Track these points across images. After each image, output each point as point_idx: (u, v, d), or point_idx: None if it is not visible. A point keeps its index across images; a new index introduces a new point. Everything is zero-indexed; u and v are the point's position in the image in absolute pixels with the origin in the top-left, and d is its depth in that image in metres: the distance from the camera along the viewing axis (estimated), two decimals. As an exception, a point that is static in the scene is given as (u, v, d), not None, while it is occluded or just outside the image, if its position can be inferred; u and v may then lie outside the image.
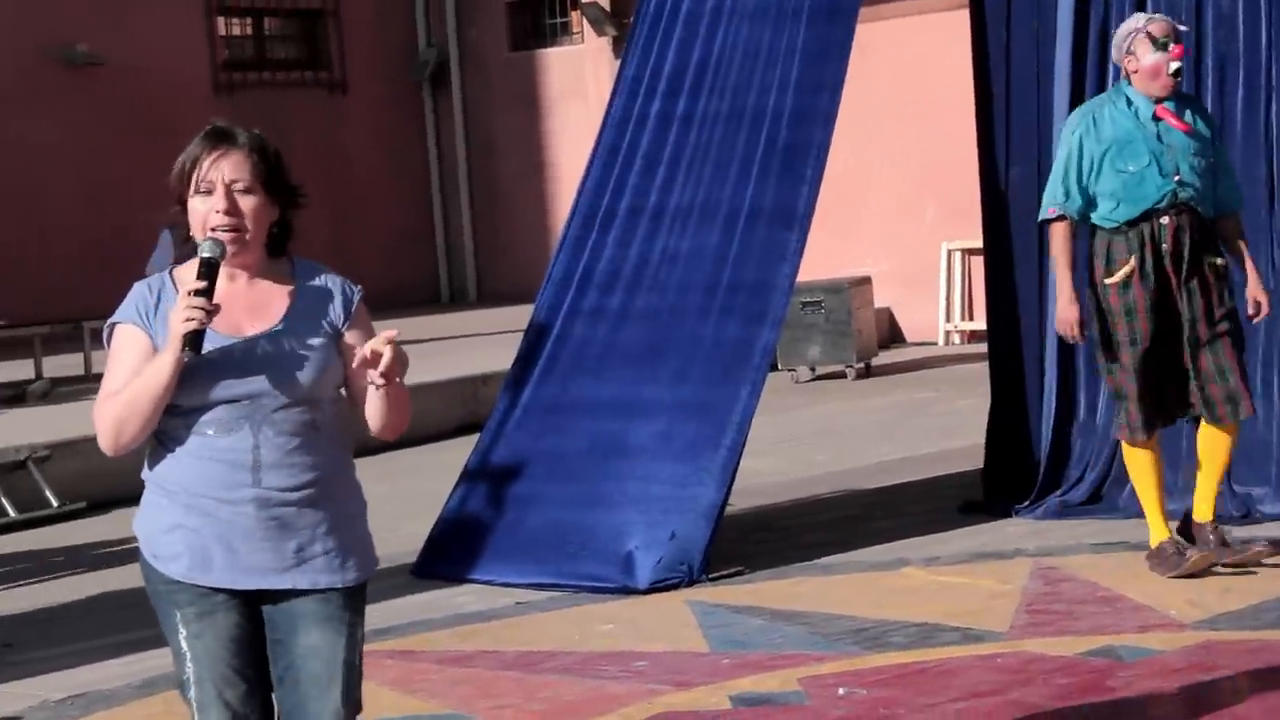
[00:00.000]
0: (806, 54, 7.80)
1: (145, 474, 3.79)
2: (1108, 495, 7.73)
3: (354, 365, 3.69)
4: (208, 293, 3.63)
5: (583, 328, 7.89)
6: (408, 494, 9.24)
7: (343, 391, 3.81)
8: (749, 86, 7.89)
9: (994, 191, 8.26)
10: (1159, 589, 6.38)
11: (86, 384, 12.09)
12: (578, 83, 17.41)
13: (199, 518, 3.70)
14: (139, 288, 3.80)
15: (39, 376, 12.26)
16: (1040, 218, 6.84)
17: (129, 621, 6.74)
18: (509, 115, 17.97)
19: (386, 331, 3.67)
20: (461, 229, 18.35)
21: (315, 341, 3.75)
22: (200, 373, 3.66)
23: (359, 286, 3.87)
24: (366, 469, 11.48)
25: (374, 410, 3.74)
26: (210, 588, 3.71)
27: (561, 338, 7.88)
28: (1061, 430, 7.92)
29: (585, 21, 17.29)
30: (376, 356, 3.63)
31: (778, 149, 7.78)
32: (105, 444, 3.69)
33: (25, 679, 6.40)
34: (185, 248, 3.76)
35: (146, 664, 6.22)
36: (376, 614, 6.98)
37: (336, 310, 3.80)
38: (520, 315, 8.09)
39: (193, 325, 3.59)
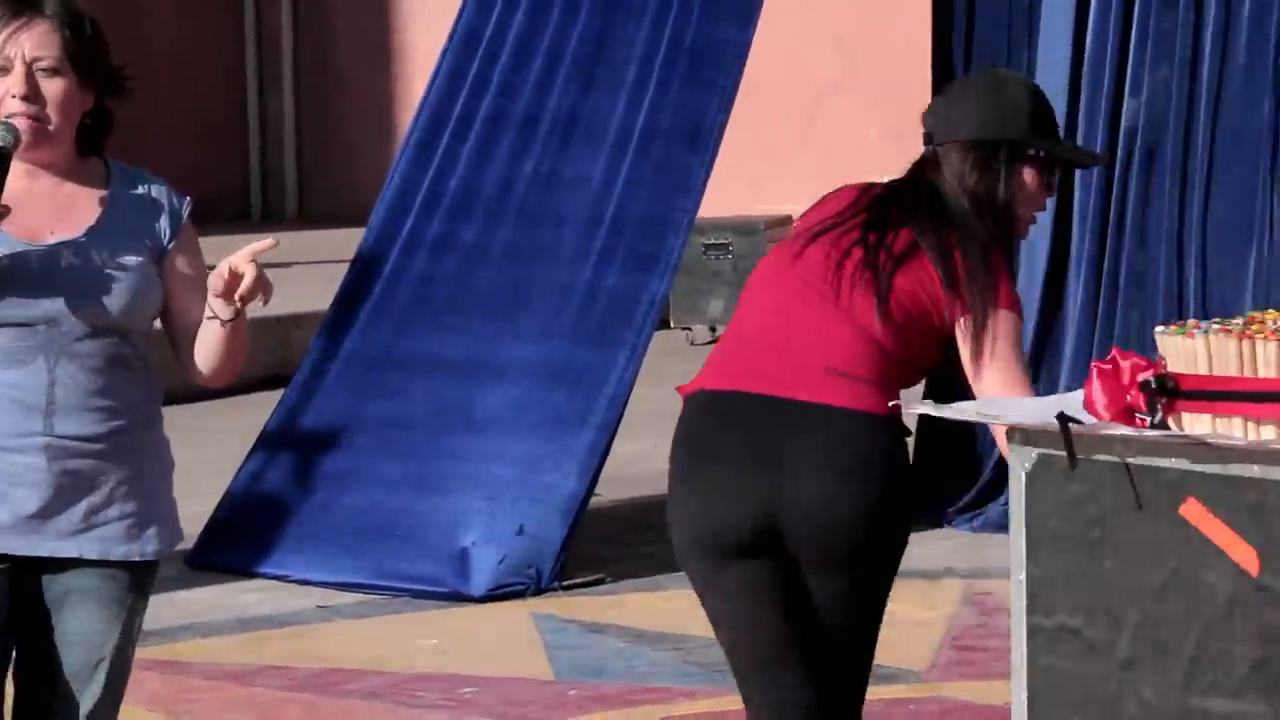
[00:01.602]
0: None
1: None
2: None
3: (214, 274, 3.71)
4: None
5: (424, 263, 7.93)
6: (189, 462, 9.13)
7: (156, 324, 3.88)
8: (655, -36, 7.94)
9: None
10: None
11: None
12: (441, -52, 17.39)
13: None
14: None
15: None
16: None
17: None
18: (350, -16, 17.94)
19: (255, 244, 3.73)
20: (282, 125, 18.31)
21: (132, 259, 3.81)
22: None
23: (188, 197, 3.95)
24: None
25: (208, 349, 3.82)
26: None
27: (396, 274, 7.92)
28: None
29: None
30: (236, 278, 3.68)
31: (684, 49, 7.85)
32: None
33: None
34: None
35: None
36: (139, 612, 7.07)
37: (161, 225, 3.87)
38: (351, 241, 8.11)
39: None
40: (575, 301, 7.66)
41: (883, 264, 4.26)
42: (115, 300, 3.78)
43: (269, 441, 7.84)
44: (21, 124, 3.75)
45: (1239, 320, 3.61)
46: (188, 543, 7.78)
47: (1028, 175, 4.29)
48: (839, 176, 15.62)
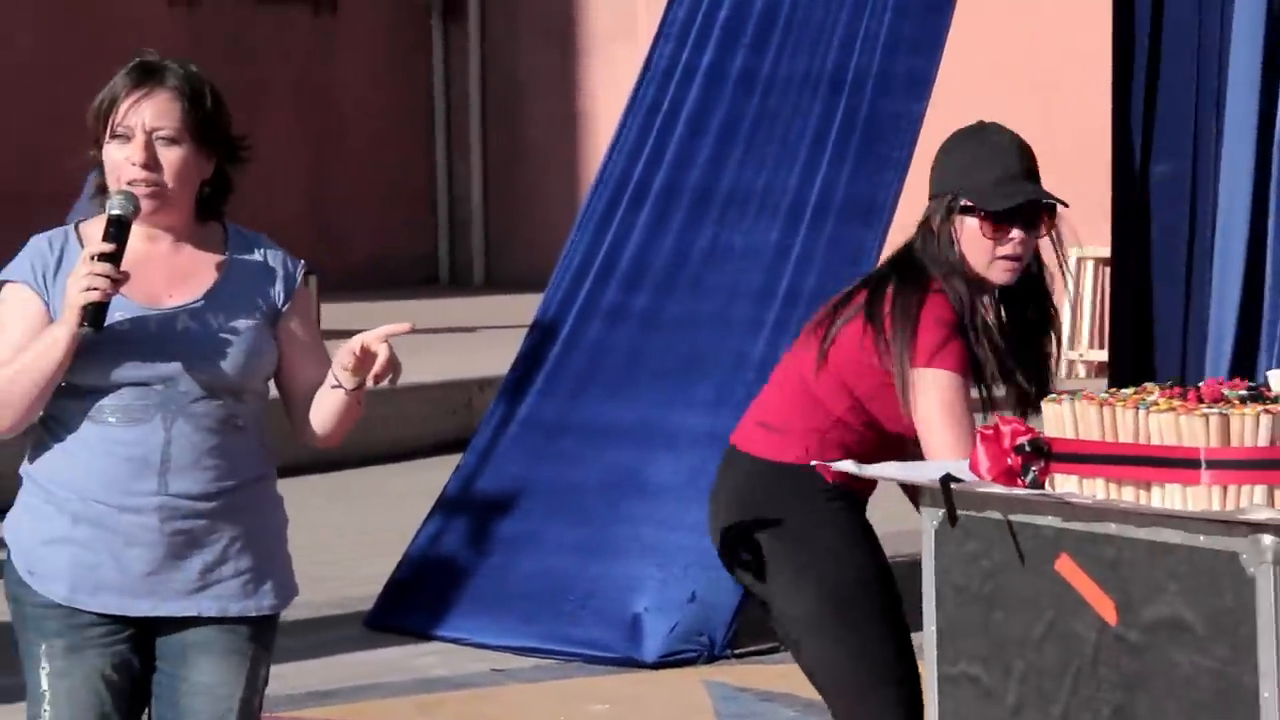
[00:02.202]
0: (901, 6, 7.89)
1: (25, 469, 3.93)
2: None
3: (337, 361, 3.83)
4: (114, 257, 3.76)
5: (600, 331, 8.00)
6: (369, 525, 9.36)
7: (270, 385, 3.95)
8: (828, 42, 7.99)
9: (1128, 192, 8.32)
10: None
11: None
12: (627, 20, 17.52)
13: (89, 528, 3.84)
14: (37, 242, 3.93)
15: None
16: None
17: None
18: (538, 55, 18.11)
19: (391, 325, 3.82)
20: (470, 195, 18.52)
21: (247, 322, 3.90)
22: (106, 347, 3.80)
23: (301, 261, 4.03)
24: (317, 488, 11.59)
25: (325, 414, 3.91)
26: (95, 614, 3.85)
27: (572, 341, 7.98)
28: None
29: (641, -57, 17.42)
30: (368, 356, 3.77)
31: (859, 124, 7.88)
32: None
33: None
34: (97, 200, 3.91)
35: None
36: (320, 672, 7.18)
37: (276, 289, 3.96)
38: (535, 307, 8.20)
39: (94, 296, 3.73)
40: (748, 372, 7.68)
41: (837, 317, 4.43)
42: (230, 363, 3.86)
43: (447, 505, 7.92)
44: (140, 191, 3.83)
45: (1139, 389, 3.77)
46: (367, 603, 7.92)
47: (968, 224, 4.34)
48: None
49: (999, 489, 3.78)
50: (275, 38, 17.56)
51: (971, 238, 4.35)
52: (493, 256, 18.55)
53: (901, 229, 7.77)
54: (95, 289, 3.73)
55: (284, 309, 3.96)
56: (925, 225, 4.44)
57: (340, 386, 3.87)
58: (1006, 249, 4.35)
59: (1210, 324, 7.86)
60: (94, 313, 3.75)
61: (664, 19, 8.36)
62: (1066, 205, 4.49)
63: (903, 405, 4.32)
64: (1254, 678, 3.45)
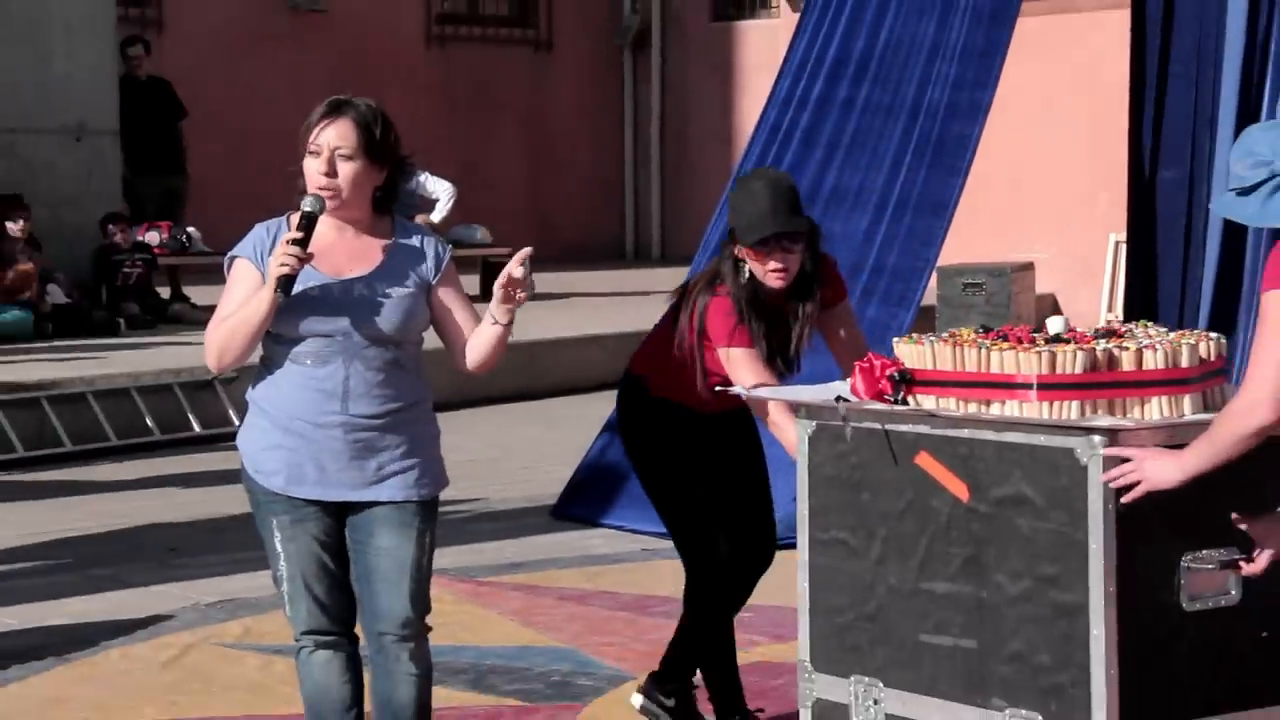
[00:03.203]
0: (966, 51, 7.91)
1: (249, 394, 4.10)
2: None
3: (496, 285, 3.96)
4: (303, 242, 3.91)
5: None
6: (562, 440, 9.52)
7: (424, 335, 4.09)
8: (909, 78, 8.03)
9: (1141, 192, 8.29)
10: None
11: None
12: (771, 56, 17.42)
13: (295, 438, 4.01)
14: (258, 228, 4.10)
15: (239, 303, 12.74)
16: None
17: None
18: (705, 83, 18.15)
19: (523, 250, 3.93)
20: (650, 190, 18.60)
21: (405, 290, 4.03)
22: (302, 307, 3.97)
23: (449, 245, 4.15)
24: (530, 412, 11.75)
25: (482, 347, 4.04)
26: (303, 499, 4.02)
27: (712, 303, 8.07)
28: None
29: (783, -3, 17.42)
30: (513, 282, 3.92)
31: (931, 141, 7.91)
32: (210, 362, 4.02)
33: (184, 581, 6.82)
34: (300, 198, 4.04)
35: (294, 577, 6.58)
36: (512, 549, 7.35)
37: (428, 265, 4.08)
38: (694, 276, 8.34)
39: (285, 270, 3.90)
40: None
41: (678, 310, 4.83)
42: (388, 321, 3.99)
43: (611, 427, 8.05)
44: (325, 194, 3.98)
45: (962, 330, 4.07)
46: (554, 498, 8.08)
47: (746, 252, 4.59)
48: (1070, 233, 15.31)
49: (880, 405, 3.98)
50: (506, 69, 17.75)
51: (751, 259, 4.60)
52: (666, 237, 18.66)
53: (960, 221, 7.92)
54: (286, 265, 3.90)
55: (435, 281, 4.07)
56: (726, 249, 4.69)
57: (498, 323, 4.00)
58: (772, 265, 4.56)
59: (1202, 290, 7.87)
60: (285, 283, 3.91)
61: (785, 59, 8.43)
62: (806, 230, 4.64)
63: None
64: (1085, 535, 3.65)
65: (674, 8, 18.45)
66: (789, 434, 4.40)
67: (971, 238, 13.15)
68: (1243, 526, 3.72)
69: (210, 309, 4.19)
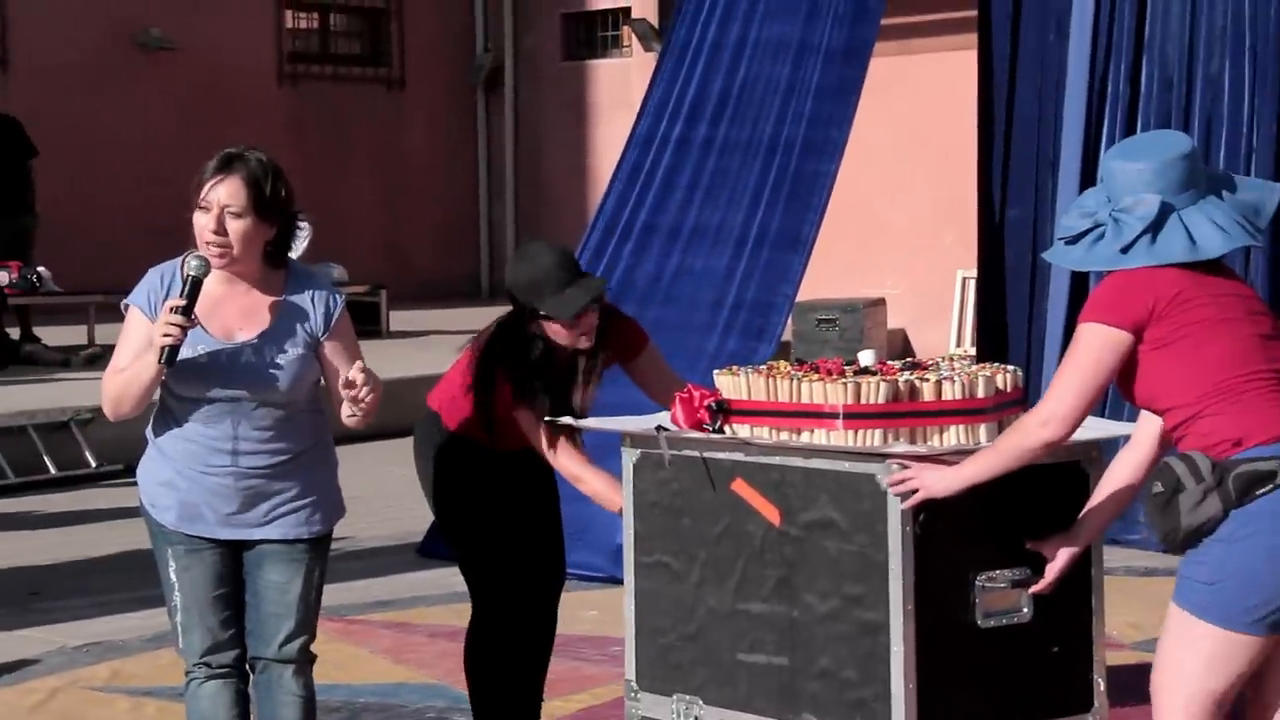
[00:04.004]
0: (821, 90, 8.05)
1: (148, 431, 4.14)
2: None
3: (336, 384, 4.01)
4: (186, 310, 3.92)
5: (596, 334, 8.14)
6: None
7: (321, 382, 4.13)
8: (766, 116, 8.15)
9: (991, 230, 8.50)
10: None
11: (135, 353, 12.39)
12: (624, 94, 17.67)
13: (187, 481, 4.05)
14: (152, 274, 4.10)
15: (90, 343, 12.61)
16: None
17: (150, 579, 6.96)
18: (557, 121, 18.24)
19: (358, 363, 3.98)
20: (505, 227, 18.64)
21: (294, 352, 4.05)
22: (192, 372, 4.01)
23: (341, 297, 4.16)
24: (387, 451, 11.65)
25: (347, 412, 4.07)
26: (197, 536, 4.06)
27: (574, 341, 8.12)
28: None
29: (634, 36, 17.57)
30: (352, 384, 3.96)
31: (789, 177, 8.03)
32: (106, 410, 4.06)
33: (48, 625, 6.72)
34: (190, 261, 4.03)
35: (160, 619, 6.46)
36: (380, 587, 7.32)
37: (317, 321, 4.10)
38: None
39: (168, 341, 3.92)
40: (705, 363, 7.80)
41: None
42: (280, 384, 4.03)
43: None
44: (211, 252, 3.98)
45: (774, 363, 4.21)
46: (417, 536, 8.06)
47: (551, 325, 4.60)
48: (918, 269, 15.59)
49: (697, 434, 4.12)
50: (359, 107, 17.73)
51: (555, 331, 4.60)
52: (522, 275, 18.69)
53: (813, 258, 8.07)
54: (169, 335, 3.91)
55: (323, 336, 4.10)
56: (515, 319, 4.65)
57: (354, 416, 4.03)
58: (581, 330, 4.61)
59: (1046, 324, 8.07)
60: (169, 353, 3.92)
61: (645, 99, 8.52)
62: (606, 290, 4.70)
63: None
64: (885, 556, 3.84)
65: (526, 47, 18.54)
66: (590, 484, 4.53)
67: (825, 274, 13.35)
68: (1031, 547, 3.92)
69: (62, 350, 4.21)
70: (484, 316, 4.48)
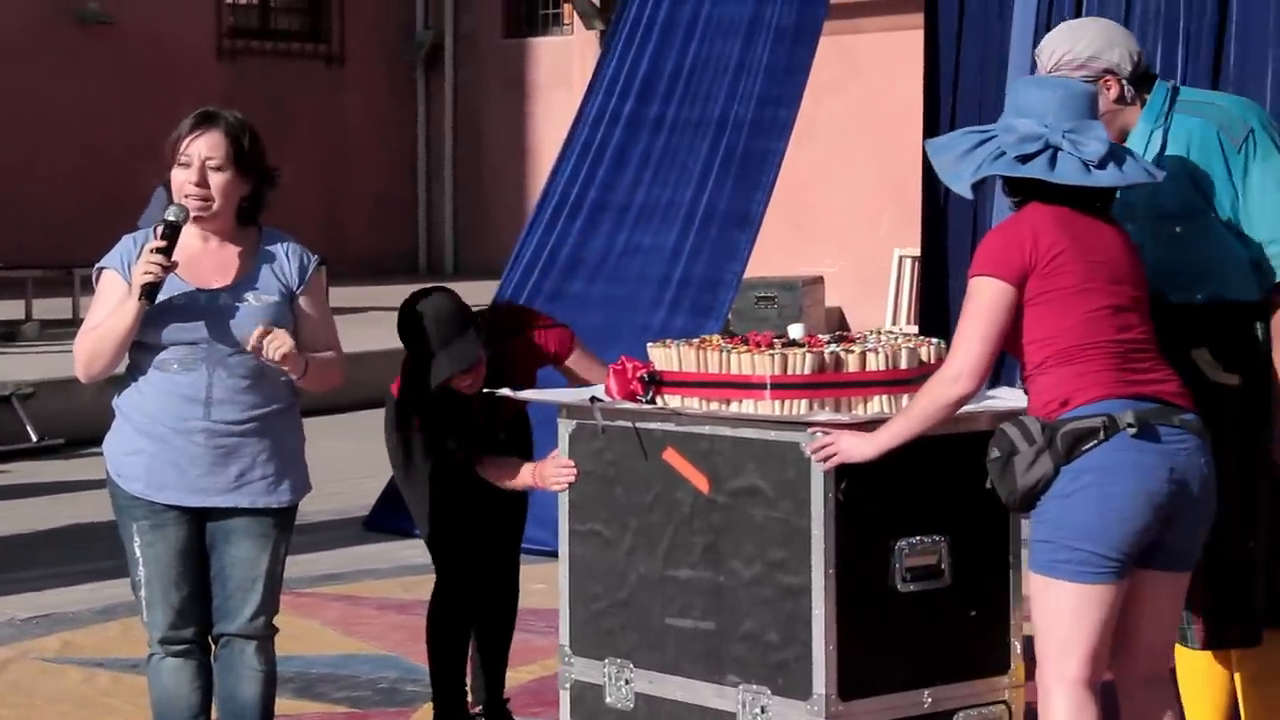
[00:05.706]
0: (770, 70, 8.05)
1: (115, 401, 4.11)
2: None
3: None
4: (166, 251, 3.93)
5: (544, 310, 8.10)
6: (370, 452, 9.40)
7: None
8: (716, 95, 8.14)
9: (934, 209, 8.53)
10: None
11: (74, 327, 12.27)
12: (564, 72, 17.65)
13: (156, 443, 4.02)
14: (126, 240, 4.11)
15: (29, 318, 12.48)
16: None
17: (97, 552, 6.99)
18: (497, 99, 18.19)
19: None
20: (443, 204, 18.59)
21: (268, 299, 4.06)
22: (166, 316, 3.99)
23: (316, 256, 4.17)
24: (338, 426, 11.61)
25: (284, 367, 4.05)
26: (163, 504, 4.04)
27: (521, 317, 8.11)
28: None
29: (576, 14, 17.53)
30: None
31: (737, 156, 8.04)
32: (79, 372, 4.04)
33: (-3, 597, 6.68)
34: (169, 209, 4.05)
35: (109, 591, 6.48)
36: (328, 561, 7.30)
37: (291, 275, 4.11)
38: (492, 290, 8.37)
39: (149, 278, 3.92)
40: (652, 338, 7.81)
41: None
42: (252, 329, 4.00)
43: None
44: (192, 204, 4.00)
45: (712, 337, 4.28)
46: (365, 510, 8.06)
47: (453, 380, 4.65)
48: (856, 248, 15.58)
49: (629, 404, 4.18)
50: (298, 83, 17.61)
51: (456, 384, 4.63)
52: (459, 251, 18.67)
53: (764, 234, 8.08)
54: (150, 273, 3.92)
55: (298, 290, 4.10)
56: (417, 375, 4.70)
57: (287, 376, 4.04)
58: (465, 385, 4.63)
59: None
60: (149, 290, 3.93)
61: (594, 77, 8.48)
62: (481, 352, 4.67)
63: None
64: (808, 522, 3.92)
65: (466, 24, 18.47)
66: (511, 483, 4.69)
67: (765, 252, 13.38)
68: None
69: (3, 324, 4.18)
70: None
